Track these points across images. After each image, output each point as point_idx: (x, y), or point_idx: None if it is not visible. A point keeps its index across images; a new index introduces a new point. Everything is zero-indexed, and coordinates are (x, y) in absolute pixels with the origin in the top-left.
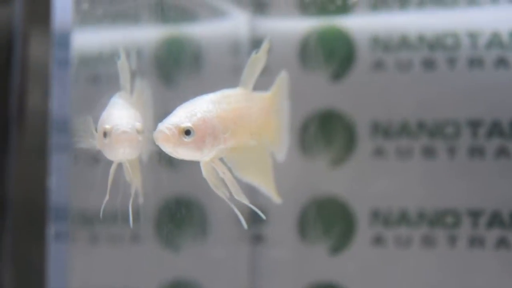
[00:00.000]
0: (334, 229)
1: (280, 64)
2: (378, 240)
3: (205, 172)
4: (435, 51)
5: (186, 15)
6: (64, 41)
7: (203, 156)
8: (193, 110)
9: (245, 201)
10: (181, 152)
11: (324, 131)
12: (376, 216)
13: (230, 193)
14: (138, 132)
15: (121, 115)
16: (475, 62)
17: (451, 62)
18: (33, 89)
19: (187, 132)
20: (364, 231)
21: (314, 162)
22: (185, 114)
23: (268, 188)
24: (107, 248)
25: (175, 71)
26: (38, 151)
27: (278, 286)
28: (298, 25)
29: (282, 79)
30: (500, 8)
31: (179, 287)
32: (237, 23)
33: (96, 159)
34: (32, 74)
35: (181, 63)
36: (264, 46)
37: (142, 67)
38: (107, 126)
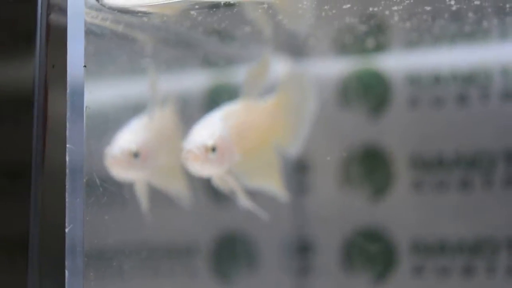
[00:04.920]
0: (375, 260)
1: (321, 104)
2: (418, 270)
3: (218, 184)
4: (468, 86)
5: (229, 61)
6: (78, 98)
7: (221, 170)
8: (211, 129)
9: (251, 206)
10: (207, 168)
11: (364, 166)
12: (416, 247)
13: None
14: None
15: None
16: (507, 96)
17: (484, 96)
18: (52, 139)
19: (213, 150)
20: (404, 261)
21: (355, 195)
22: (206, 133)
23: (275, 187)
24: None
25: None
26: (58, 196)
27: None
28: (335, 66)
29: (287, 79)
30: None
31: None
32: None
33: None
34: (51, 127)
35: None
36: (263, 58)
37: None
38: None
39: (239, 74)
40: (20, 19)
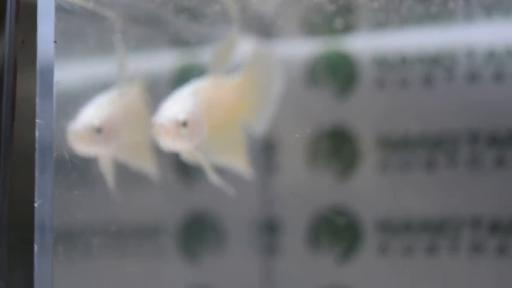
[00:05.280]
0: (341, 239)
1: (288, 84)
2: (383, 249)
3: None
4: (434, 68)
5: (198, 40)
6: (48, 74)
7: (191, 146)
8: (182, 104)
9: (218, 182)
10: (178, 144)
11: (330, 146)
12: (381, 226)
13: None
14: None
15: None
16: (472, 78)
17: (449, 78)
18: (21, 115)
19: (184, 125)
20: (369, 240)
21: (321, 175)
22: (177, 108)
23: (241, 164)
24: (131, 261)
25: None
26: (27, 172)
27: None
28: (303, 48)
29: (252, 58)
30: (495, 25)
31: None
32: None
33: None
34: (20, 102)
35: None
36: (230, 36)
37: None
38: None
39: (207, 53)
40: None
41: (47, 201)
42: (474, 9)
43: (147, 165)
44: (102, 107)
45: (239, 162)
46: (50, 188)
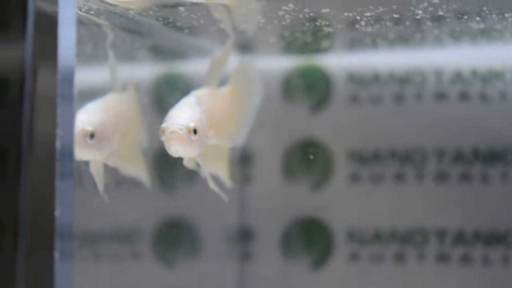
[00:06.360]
0: (314, 247)
1: (265, 98)
2: (354, 257)
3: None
4: (404, 86)
5: (178, 55)
6: (69, 77)
7: (198, 152)
8: (189, 111)
9: (217, 190)
10: (188, 150)
11: (304, 158)
12: (352, 235)
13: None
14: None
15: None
16: (439, 96)
17: (419, 96)
18: (42, 121)
19: (195, 132)
20: (341, 249)
21: (295, 186)
22: (185, 115)
23: (224, 174)
24: (108, 265)
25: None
26: (47, 177)
27: None
28: (281, 63)
29: (238, 71)
30: (461, 48)
31: None
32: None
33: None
34: (40, 107)
35: (174, 95)
36: (226, 46)
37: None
38: None
39: (190, 66)
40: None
41: (67, 208)
42: (441, 35)
43: (139, 171)
44: (95, 113)
45: (222, 171)
46: (70, 196)
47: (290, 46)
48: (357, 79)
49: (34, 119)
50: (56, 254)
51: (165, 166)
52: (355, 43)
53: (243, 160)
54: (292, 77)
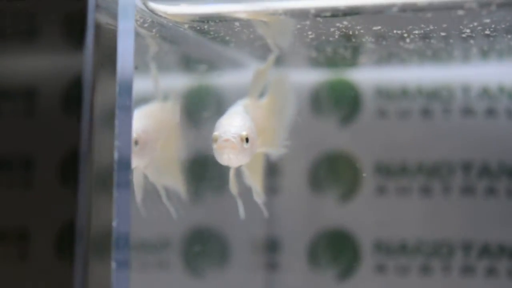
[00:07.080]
0: (340, 258)
1: (297, 110)
2: (380, 269)
3: (232, 175)
4: (432, 101)
5: (211, 67)
6: (127, 89)
7: (247, 161)
8: (240, 120)
9: (261, 201)
10: (240, 158)
11: (332, 170)
12: (379, 246)
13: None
14: None
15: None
16: (466, 112)
17: (446, 111)
18: (100, 132)
19: (247, 140)
20: (367, 260)
21: (322, 198)
22: (237, 123)
23: (258, 185)
24: (137, 274)
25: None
26: (104, 187)
27: None
28: (311, 77)
29: (275, 83)
30: (489, 65)
31: None
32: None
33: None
34: (99, 117)
35: (207, 106)
36: (270, 59)
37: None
38: None
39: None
40: (73, 17)
41: (125, 219)
42: (468, 51)
43: (176, 181)
44: (138, 120)
45: (257, 183)
46: (128, 206)
47: (323, 60)
48: (385, 93)
49: (93, 130)
50: (113, 264)
51: (194, 176)
52: (384, 58)
53: (271, 172)
54: (321, 90)
